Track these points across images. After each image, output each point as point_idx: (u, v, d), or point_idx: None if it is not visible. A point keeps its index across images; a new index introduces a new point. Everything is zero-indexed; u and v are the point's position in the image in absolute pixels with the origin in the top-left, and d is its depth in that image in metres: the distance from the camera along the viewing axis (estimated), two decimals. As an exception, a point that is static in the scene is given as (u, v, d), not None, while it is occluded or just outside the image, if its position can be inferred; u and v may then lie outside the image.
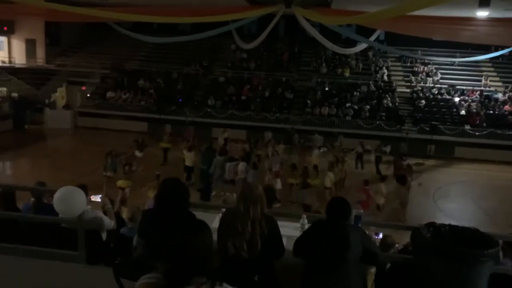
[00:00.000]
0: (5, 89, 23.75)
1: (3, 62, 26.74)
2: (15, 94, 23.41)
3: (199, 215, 3.88)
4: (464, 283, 2.87)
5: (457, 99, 23.85)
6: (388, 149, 17.84)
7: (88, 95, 25.43)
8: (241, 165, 13.22)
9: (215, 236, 3.13)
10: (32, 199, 5.21)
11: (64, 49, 29.31)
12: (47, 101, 24.24)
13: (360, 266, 3.14)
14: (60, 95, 25.63)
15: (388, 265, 3.94)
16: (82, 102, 24.90)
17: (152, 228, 3.10)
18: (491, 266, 2.88)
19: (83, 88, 25.74)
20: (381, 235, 6.23)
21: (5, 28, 26.63)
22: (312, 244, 3.15)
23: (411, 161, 15.60)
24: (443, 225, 3.20)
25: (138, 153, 14.75)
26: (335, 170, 13.39)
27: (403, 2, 9.81)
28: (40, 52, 27.89)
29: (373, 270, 3.41)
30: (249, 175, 12.97)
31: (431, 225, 3.21)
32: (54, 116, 23.53)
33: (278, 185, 12.74)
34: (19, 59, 27.55)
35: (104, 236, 4.59)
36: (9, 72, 24.88)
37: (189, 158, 14.13)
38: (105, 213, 4.84)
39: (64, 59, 28.13)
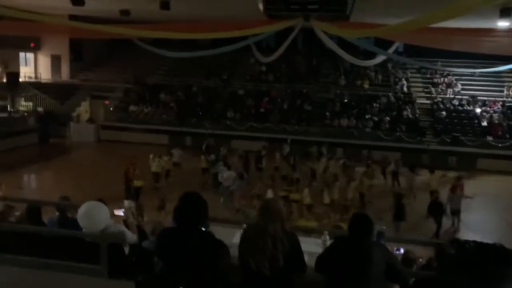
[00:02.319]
0: (31, 103, 24.41)
1: (30, 77, 27.45)
2: (40, 109, 24.04)
3: (219, 230, 3.92)
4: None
5: (478, 110, 23.48)
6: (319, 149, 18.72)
7: (111, 109, 25.90)
8: (228, 173, 13.51)
9: (235, 251, 3.16)
10: (57, 213, 5.31)
11: (86, 64, 29.92)
12: (73, 114, 24.75)
13: (383, 284, 3.11)
14: (84, 109, 26.20)
15: (411, 281, 3.87)
16: (105, 116, 25.37)
17: (171, 248, 3.12)
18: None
19: (106, 102, 26.24)
20: (402, 250, 6.15)
21: (32, 45, 27.38)
22: (334, 260, 3.14)
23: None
24: (467, 241, 3.15)
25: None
26: (333, 186, 13.21)
27: (423, 14, 9.75)
28: (65, 68, 28.58)
29: (396, 287, 3.36)
30: (236, 184, 13.36)
31: (455, 241, 3.16)
32: (78, 130, 24.06)
33: (269, 194, 12.32)
34: (45, 74, 28.28)
35: (126, 250, 4.64)
36: (35, 87, 25.52)
37: (204, 162, 16.11)
38: (127, 227, 4.89)
39: (87, 74, 28.77)
